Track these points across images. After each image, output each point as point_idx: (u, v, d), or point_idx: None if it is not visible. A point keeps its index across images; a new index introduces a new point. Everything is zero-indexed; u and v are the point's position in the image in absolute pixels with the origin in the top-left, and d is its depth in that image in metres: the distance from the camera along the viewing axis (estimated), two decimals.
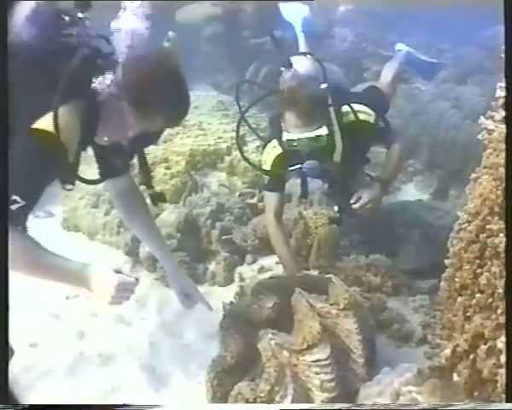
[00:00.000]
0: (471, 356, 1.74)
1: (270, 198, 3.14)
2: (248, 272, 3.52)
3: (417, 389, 1.94)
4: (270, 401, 2.05)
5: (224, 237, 3.62)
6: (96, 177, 2.45)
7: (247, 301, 2.48)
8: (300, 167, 2.81)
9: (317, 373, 2.09)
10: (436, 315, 2.73)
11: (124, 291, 2.06)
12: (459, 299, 1.83)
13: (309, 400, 2.12)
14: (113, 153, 2.28)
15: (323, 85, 2.82)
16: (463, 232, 1.88)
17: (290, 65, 2.92)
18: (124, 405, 2.04)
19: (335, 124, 2.85)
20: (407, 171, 4.93)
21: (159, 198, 2.41)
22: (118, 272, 2.06)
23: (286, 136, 2.77)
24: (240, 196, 4.10)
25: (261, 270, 3.49)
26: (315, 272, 3.06)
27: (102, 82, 2.04)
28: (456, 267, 1.88)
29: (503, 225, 1.70)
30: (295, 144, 2.75)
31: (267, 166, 3.05)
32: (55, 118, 1.89)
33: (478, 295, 1.71)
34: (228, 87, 6.35)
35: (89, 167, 2.51)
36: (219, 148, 4.62)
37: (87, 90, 2.04)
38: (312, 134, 2.70)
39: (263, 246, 3.51)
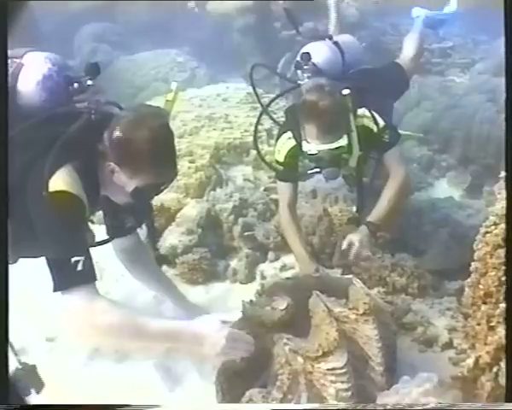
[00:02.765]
0: (494, 369, 1.62)
1: (283, 188, 3.12)
2: (270, 269, 3.44)
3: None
4: None
5: (246, 234, 3.54)
6: (104, 237, 2.48)
7: (261, 302, 2.39)
8: (320, 172, 2.78)
9: (332, 382, 1.98)
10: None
11: (233, 342, 2.04)
12: (483, 307, 1.72)
13: None
14: (123, 212, 2.36)
15: (345, 91, 2.73)
16: (490, 235, 1.76)
17: (308, 58, 2.84)
18: (124, 405, 2.00)
19: (354, 129, 2.79)
20: (440, 166, 4.79)
21: (163, 260, 2.51)
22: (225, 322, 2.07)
23: (306, 146, 2.73)
24: (265, 190, 4.02)
25: (283, 268, 3.41)
26: (337, 272, 2.95)
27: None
28: (481, 273, 1.77)
29: None
30: (315, 153, 2.70)
31: (281, 157, 3.03)
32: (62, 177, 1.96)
33: (502, 304, 1.59)
34: (259, 79, 6.28)
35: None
36: (245, 141, 4.55)
37: (84, 154, 2.08)
38: (333, 146, 2.66)
39: (285, 243, 3.41)
